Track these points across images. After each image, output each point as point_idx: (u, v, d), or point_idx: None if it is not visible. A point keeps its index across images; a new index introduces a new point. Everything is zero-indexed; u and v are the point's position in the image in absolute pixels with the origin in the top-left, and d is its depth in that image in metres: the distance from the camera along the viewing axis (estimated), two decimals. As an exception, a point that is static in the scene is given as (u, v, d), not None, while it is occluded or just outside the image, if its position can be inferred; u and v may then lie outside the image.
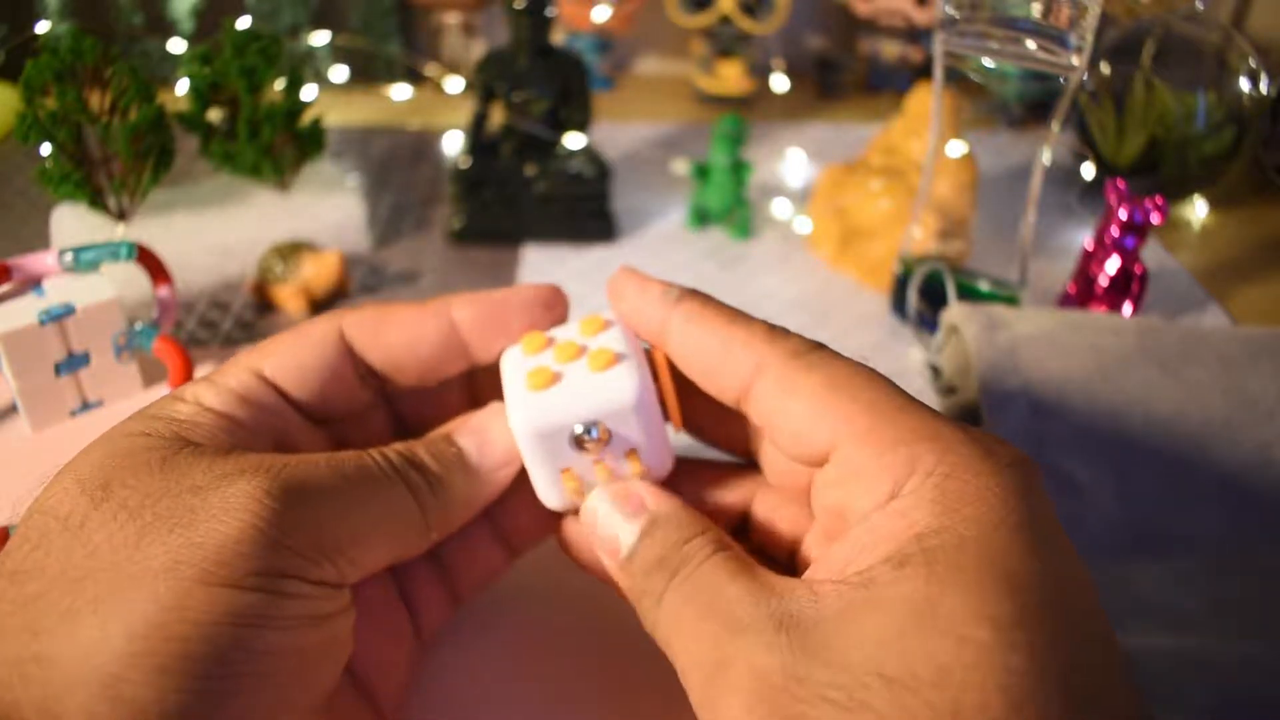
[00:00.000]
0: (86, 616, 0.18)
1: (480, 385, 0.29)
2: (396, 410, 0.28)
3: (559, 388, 0.24)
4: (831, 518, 0.22)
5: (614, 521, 0.24)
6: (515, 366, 0.25)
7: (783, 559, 0.26)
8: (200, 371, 0.41)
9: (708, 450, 0.28)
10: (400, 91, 0.73)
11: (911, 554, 0.18)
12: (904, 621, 0.17)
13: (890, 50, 0.77)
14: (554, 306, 0.27)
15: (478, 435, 0.25)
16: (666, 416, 0.26)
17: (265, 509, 0.19)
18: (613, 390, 0.24)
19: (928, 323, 0.48)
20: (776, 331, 0.23)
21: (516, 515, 0.28)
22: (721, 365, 0.23)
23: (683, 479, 0.26)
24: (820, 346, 0.23)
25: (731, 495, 0.27)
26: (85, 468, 0.20)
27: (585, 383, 0.24)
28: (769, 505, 0.26)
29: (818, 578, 0.20)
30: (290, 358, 0.25)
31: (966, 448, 0.20)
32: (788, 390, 0.22)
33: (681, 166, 0.62)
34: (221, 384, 0.24)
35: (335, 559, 0.21)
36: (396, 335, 0.25)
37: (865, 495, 0.20)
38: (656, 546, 0.23)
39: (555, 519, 0.27)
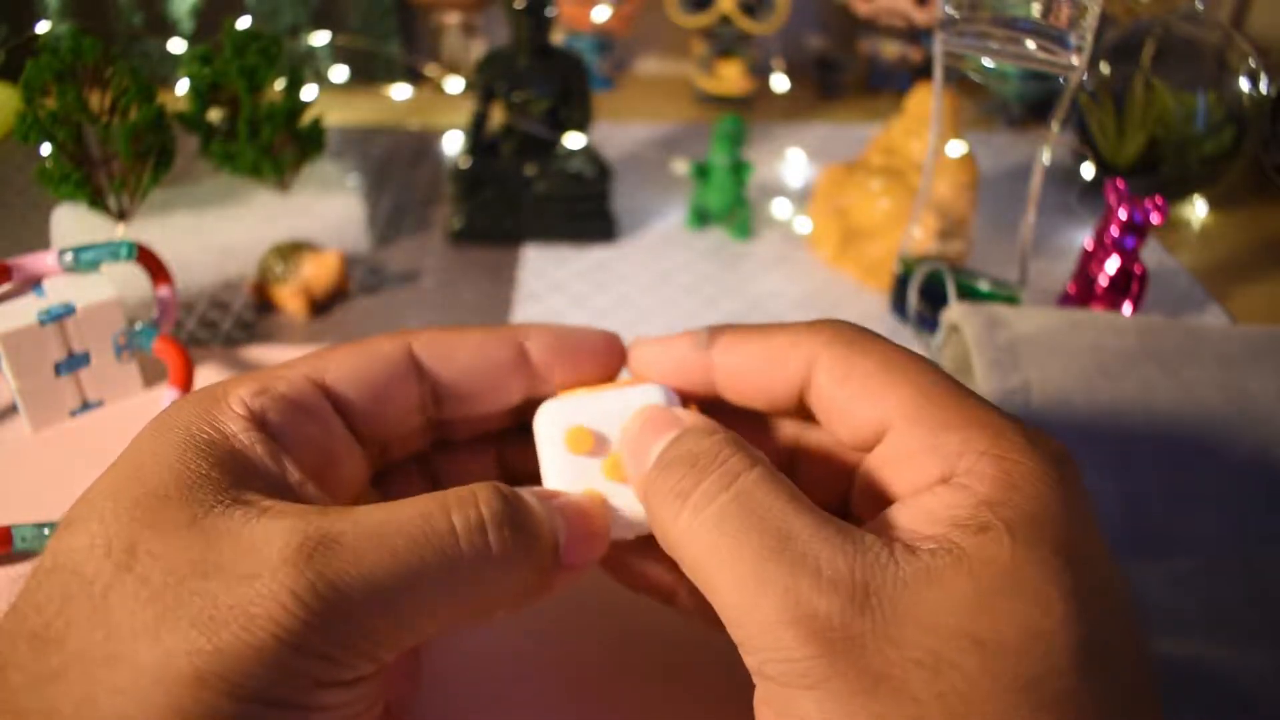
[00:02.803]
0: (104, 711, 0.17)
1: (510, 452, 0.29)
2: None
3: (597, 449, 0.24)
4: (873, 500, 0.23)
5: (644, 438, 0.23)
6: (552, 423, 0.25)
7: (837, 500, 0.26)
8: (200, 371, 0.42)
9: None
10: (400, 91, 0.73)
11: (990, 522, 0.19)
12: (994, 585, 0.18)
13: (890, 50, 0.77)
14: (616, 353, 0.27)
15: (573, 518, 0.23)
16: None
17: (290, 617, 0.17)
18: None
19: (928, 322, 0.48)
20: (817, 325, 0.24)
21: None
22: (775, 374, 0.24)
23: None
24: (867, 330, 0.23)
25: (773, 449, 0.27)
26: (111, 514, 0.19)
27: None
28: (811, 452, 0.26)
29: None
30: (357, 370, 0.24)
31: (1016, 435, 0.20)
32: (844, 375, 0.23)
33: (681, 166, 0.62)
34: (273, 389, 0.22)
35: (374, 655, 0.19)
36: (468, 355, 0.25)
37: (916, 474, 0.21)
38: (688, 443, 0.22)
39: None
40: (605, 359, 0.27)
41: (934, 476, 0.20)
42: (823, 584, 0.18)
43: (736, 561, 0.19)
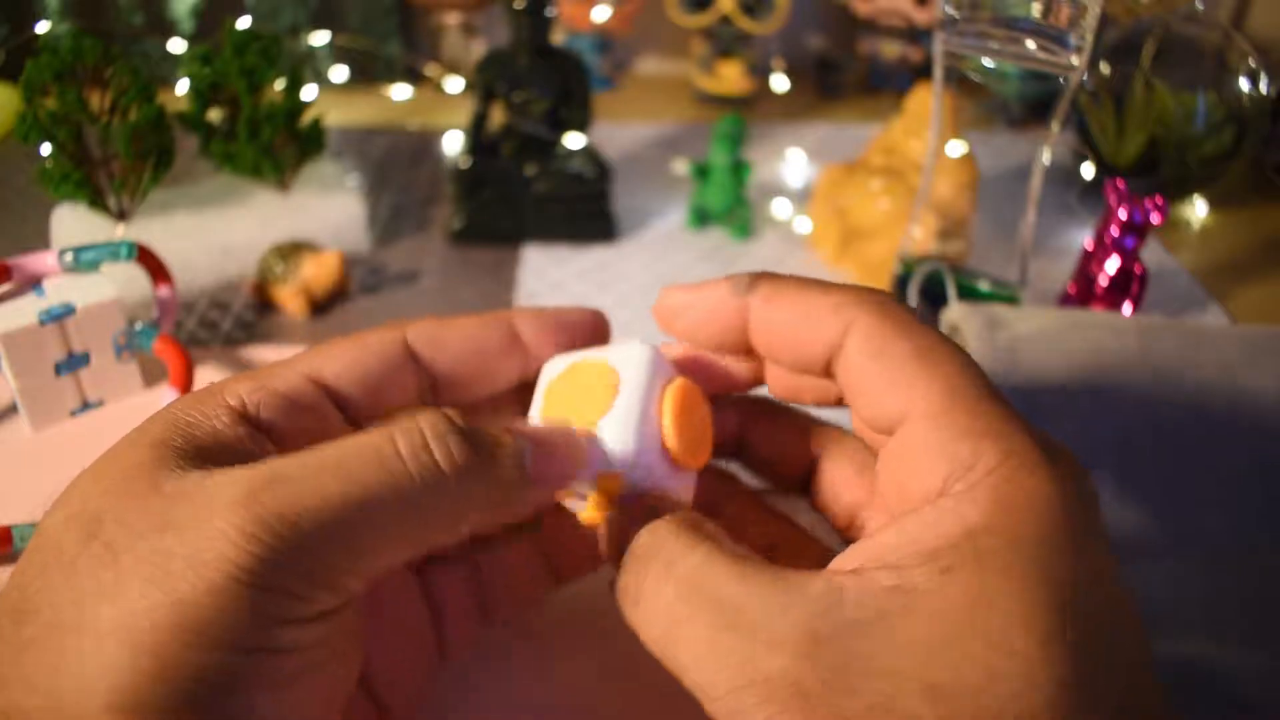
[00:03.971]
0: (71, 677, 0.17)
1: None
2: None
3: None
4: (891, 491, 0.22)
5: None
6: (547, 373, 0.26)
7: (841, 523, 0.26)
8: (200, 372, 0.42)
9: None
10: (400, 91, 0.73)
11: (961, 558, 0.18)
12: (950, 629, 0.17)
13: (890, 50, 0.77)
14: (602, 330, 0.28)
15: (538, 441, 0.23)
16: (674, 459, 0.25)
17: (242, 554, 0.17)
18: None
19: (928, 322, 0.48)
20: (863, 290, 0.23)
21: (568, 540, 0.27)
22: (810, 334, 0.23)
23: (757, 429, 0.28)
24: (908, 311, 0.23)
25: (799, 447, 0.27)
26: (90, 489, 0.19)
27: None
28: (835, 465, 0.26)
29: (848, 566, 0.19)
30: (353, 365, 0.24)
31: (1030, 452, 0.20)
32: (876, 353, 0.22)
33: (681, 166, 0.62)
34: (269, 385, 0.22)
35: (335, 584, 0.19)
36: (462, 341, 0.25)
37: (923, 477, 0.20)
38: (640, 539, 0.22)
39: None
40: (593, 336, 0.27)
41: (937, 485, 0.20)
42: (772, 645, 0.18)
43: (693, 642, 0.19)
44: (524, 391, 0.27)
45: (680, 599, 0.20)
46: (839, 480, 0.26)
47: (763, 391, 0.28)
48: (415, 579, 0.26)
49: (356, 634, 0.21)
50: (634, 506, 0.23)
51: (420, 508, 0.20)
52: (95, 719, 0.17)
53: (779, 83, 0.77)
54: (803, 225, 0.58)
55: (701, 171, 0.57)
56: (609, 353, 0.25)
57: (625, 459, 0.23)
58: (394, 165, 0.64)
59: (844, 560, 0.20)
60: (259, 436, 0.22)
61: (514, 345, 0.26)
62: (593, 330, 0.28)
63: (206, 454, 0.20)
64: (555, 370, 0.26)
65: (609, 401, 0.24)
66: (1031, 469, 0.19)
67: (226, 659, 0.17)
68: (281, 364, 0.24)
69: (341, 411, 0.24)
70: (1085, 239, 0.49)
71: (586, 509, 0.24)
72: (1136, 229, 0.46)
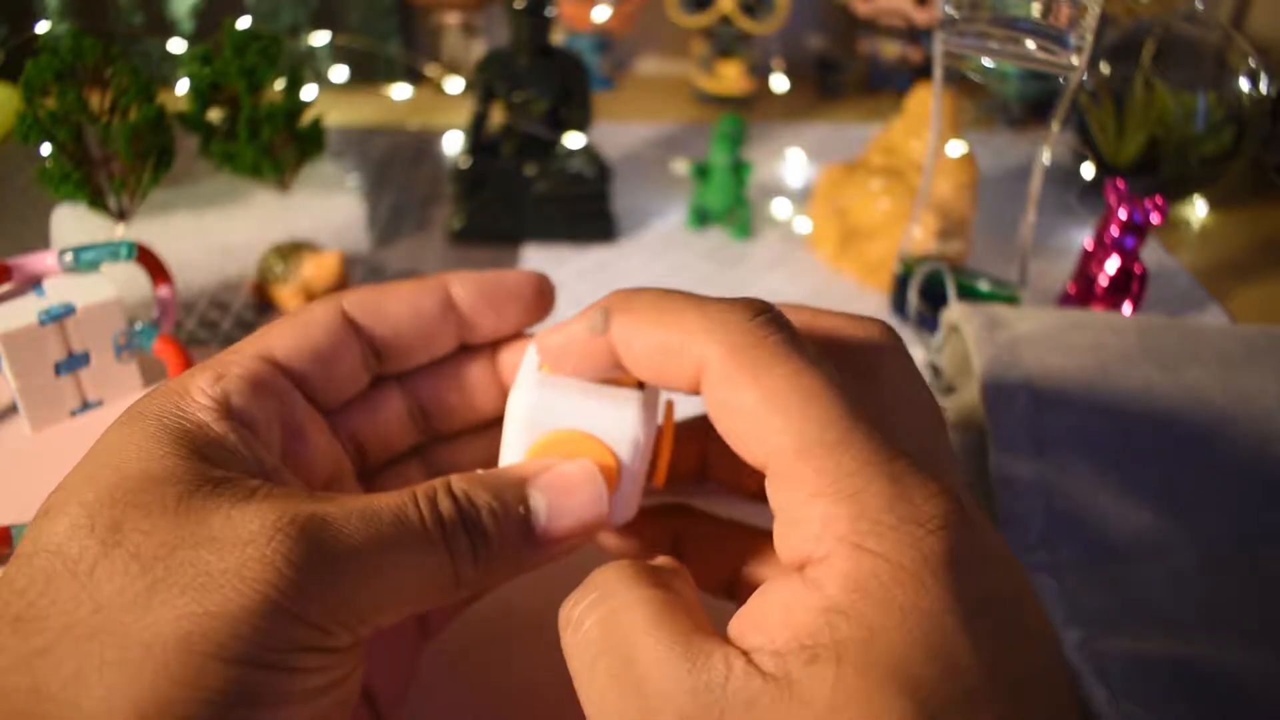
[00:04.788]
0: (93, 685, 0.17)
1: (506, 367, 0.28)
2: (417, 396, 0.28)
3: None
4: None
5: None
6: (530, 423, 0.24)
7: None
8: (200, 371, 0.41)
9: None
10: (400, 91, 0.73)
11: (825, 648, 0.17)
12: None
13: (890, 50, 0.77)
14: (545, 293, 0.27)
15: (558, 495, 0.22)
16: (654, 472, 0.25)
17: (283, 579, 0.18)
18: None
19: (928, 322, 0.48)
20: (716, 317, 0.21)
21: None
22: (670, 370, 0.22)
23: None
24: (769, 326, 0.21)
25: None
26: (93, 498, 0.19)
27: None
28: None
29: (743, 638, 0.19)
30: (299, 340, 0.24)
31: (883, 513, 0.18)
32: (723, 402, 0.21)
33: (681, 166, 0.63)
34: (228, 373, 0.22)
35: (354, 627, 0.19)
36: (397, 308, 0.26)
37: (787, 537, 0.20)
38: (595, 572, 0.22)
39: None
40: (533, 300, 0.27)
41: (799, 553, 0.19)
42: (651, 715, 0.18)
43: (591, 685, 0.20)
44: (468, 353, 0.27)
45: (598, 634, 0.20)
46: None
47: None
48: None
49: (357, 671, 0.21)
50: None
51: (433, 574, 0.21)
52: None
53: (779, 83, 0.77)
54: (803, 225, 0.58)
55: (701, 171, 0.57)
56: (598, 418, 0.23)
57: (618, 521, 0.25)
58: (394, 165, 0.64)
59: (739, 622, 0.19)
60: (242, 430, 0.22)
61: (450, 311, 0.26)
62: (535, 296, 0.27)
63: (211, 460, 0.20)
64: (538, 422, 0.24)
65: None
66: (879, 535, 0.18)
67: (250, 674, 0.18)
68: (231, 351, 0.24)
69: (297, 388, 0.24)
70: (1085, 239, 0.49)
71: None
72: (1136, 229, 0.46)
